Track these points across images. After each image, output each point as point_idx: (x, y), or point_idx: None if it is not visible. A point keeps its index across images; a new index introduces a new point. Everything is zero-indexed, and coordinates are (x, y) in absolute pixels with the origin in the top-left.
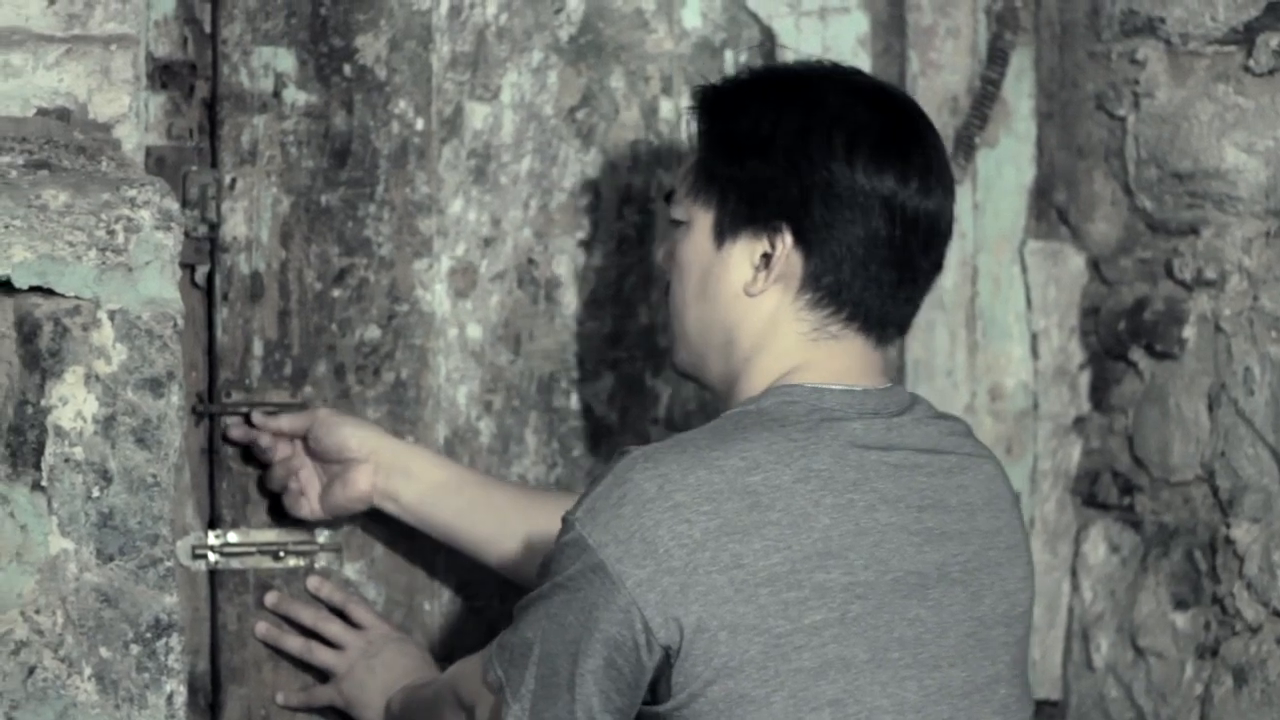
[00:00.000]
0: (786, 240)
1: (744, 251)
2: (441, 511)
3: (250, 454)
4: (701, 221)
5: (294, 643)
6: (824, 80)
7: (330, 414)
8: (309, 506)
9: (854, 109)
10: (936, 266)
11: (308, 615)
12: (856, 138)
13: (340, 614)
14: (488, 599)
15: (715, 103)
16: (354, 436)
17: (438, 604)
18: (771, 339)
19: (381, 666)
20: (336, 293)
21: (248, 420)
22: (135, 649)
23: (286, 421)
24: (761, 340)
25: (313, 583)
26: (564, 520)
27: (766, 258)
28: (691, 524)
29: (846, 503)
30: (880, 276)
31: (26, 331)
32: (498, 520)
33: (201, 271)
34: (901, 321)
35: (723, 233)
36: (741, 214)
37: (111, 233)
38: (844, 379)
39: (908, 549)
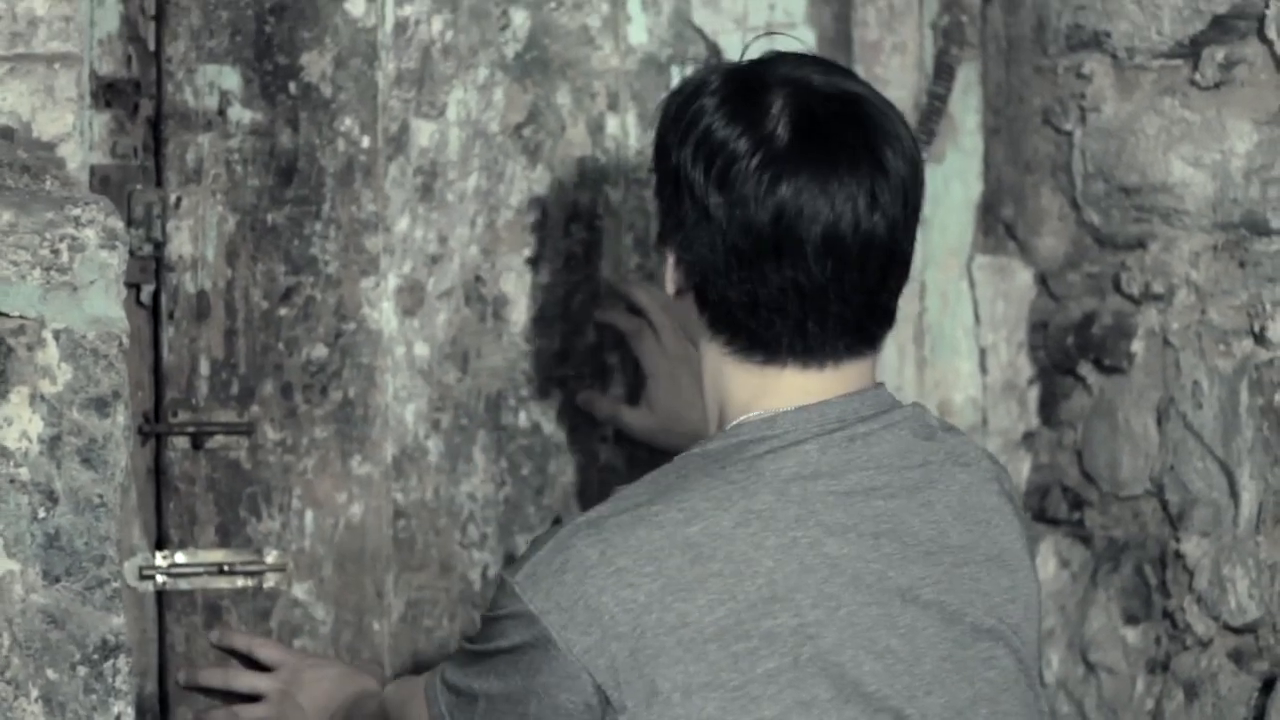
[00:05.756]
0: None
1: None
2: None
3: (195, 475)
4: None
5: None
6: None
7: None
8: None
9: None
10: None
11: (216, 678)
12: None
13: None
14: (437, 618)
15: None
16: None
17: (387, 623)
18: (724, 380)
19: (306, 699)
20: (283, 311)
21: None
22: (82, 670)
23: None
24: (717, 381)
25: (213, 637)
26: (502, 580)
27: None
28: (635, 588)
29: (790, 541)
30: (806, 323)
31: None
32: None
33: (147, 291)
34: (861, 337)
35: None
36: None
37: (56, 252)
38: (806, 399)
39: (867, 578)
